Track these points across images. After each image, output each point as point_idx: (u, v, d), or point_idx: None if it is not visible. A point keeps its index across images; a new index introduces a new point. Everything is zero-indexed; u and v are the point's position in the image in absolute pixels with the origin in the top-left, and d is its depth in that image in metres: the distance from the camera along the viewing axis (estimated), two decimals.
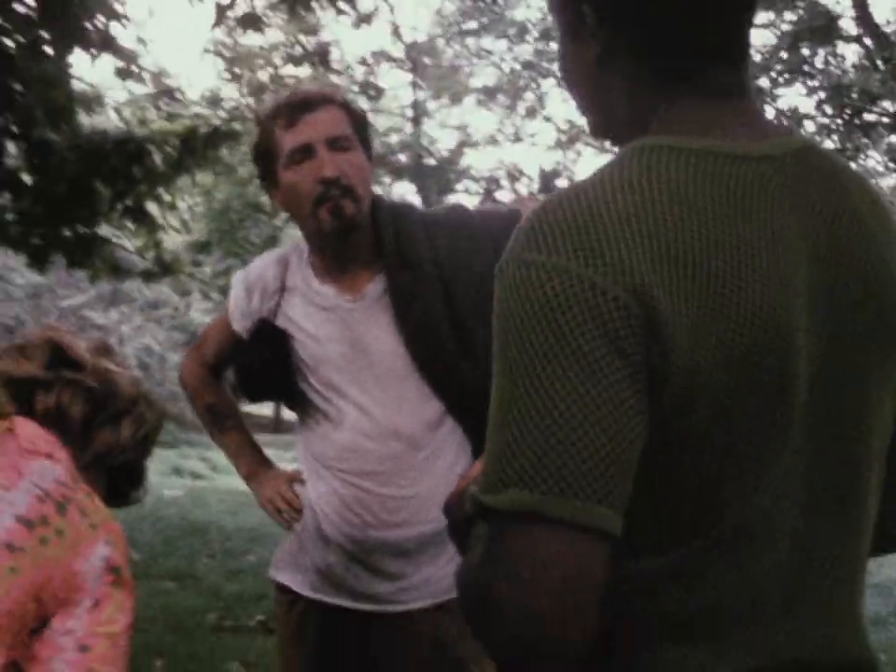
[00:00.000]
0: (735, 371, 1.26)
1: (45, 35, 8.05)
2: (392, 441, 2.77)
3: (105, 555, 1.89)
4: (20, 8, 8.12)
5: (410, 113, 24.60)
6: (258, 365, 2.89)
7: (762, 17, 18.32)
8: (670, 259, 1.24)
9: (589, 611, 1.22)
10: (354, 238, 2.78)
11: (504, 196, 23.92)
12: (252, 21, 7.06)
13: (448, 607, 2.76)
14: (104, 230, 9.87)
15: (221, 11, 6.68)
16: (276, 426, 55.48)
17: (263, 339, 2.89)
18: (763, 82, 16.53)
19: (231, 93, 22.93)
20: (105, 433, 2.13)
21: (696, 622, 1.35)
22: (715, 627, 1.35)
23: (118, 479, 2.22)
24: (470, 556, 1.32)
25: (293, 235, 35.96)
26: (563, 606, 1.21)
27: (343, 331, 2.81)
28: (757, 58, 16.73)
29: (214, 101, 22.84)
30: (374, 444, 2.77)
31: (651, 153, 1.34)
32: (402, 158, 22.36)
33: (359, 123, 2.86)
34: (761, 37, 19.06)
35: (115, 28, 8.28)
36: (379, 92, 23.99)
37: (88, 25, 7.82)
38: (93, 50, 8.10)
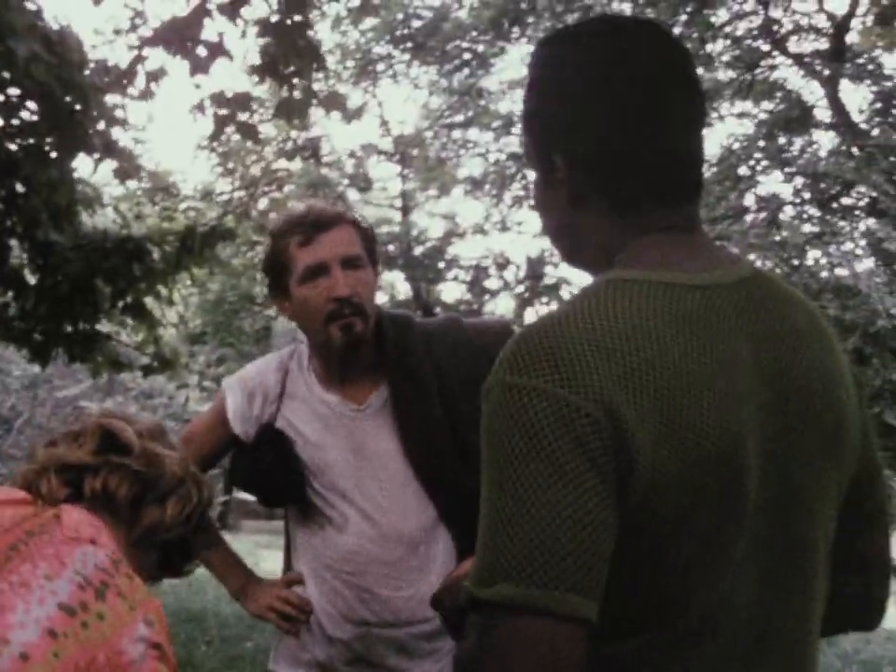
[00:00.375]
0: (693, 478, 1.43)
1: (49, 140, 8.24)
2: (394, 544, 2.84)
3: (144, 634, 1.95)
4: (24, 115, 8.36)
5: (399, 203, 24.78)
6: (265, 468, 2.91)
7: (739, 106, 18.67)
8: (634, 381, 1.41)
9: None
10: (359, 350, 2.87)
11: (492, 283, 24.07)
12: (249, 131, 7.24)
13: None
14: (104, 325, 10.00)
15: (221, 123, 6.85)
16: (269, 512, 55.26)
17: (267, 442, 2.93)
18: (743, 170, 16.76)
19: (224, 187, 23.14)
20: (152, 512, 2.22)
21: None
22: None
23: (170, 553, 2.33)
24: (465, 643, 1.47)
25: (285, 326, 35.98)
26: None
27: (347, 439, 2.89)
28: (736, 146, 17.02)
29: (207, 194, 23.09)
30: (377, 548, 2.84)
31: (615, 287, 1.52)
32: (391, 248, 22.52)
33: (369, 240, 2.95)
34: (740, 127, 19.37)
35: (115, 132, 8.45)
36: (369, 184, 24.20)
37: (91, 131, 8.00)
38: (96, 155, 8.26)
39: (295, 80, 6.26)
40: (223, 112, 6.77)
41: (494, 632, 1.39)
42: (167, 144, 69.71)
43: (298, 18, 6.12)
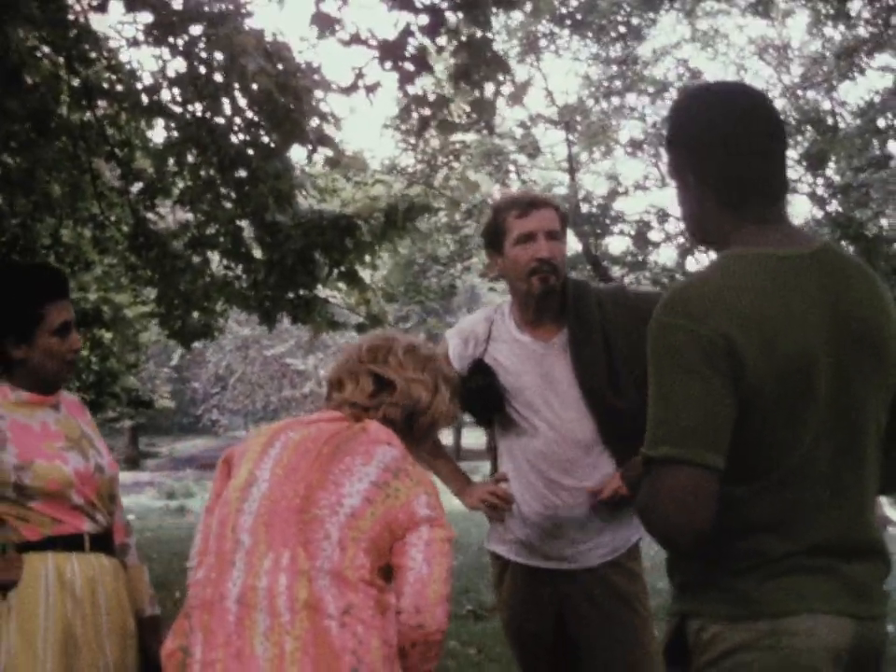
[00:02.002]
0: (781, 381, 2.16)
1: (272, 136, 9.02)
2: (572, 446, 3.57)
3: (424, 501, 2.60)
4: (249, 115, 9.18)
5: (566, 167, 25.08)
6: (476, 390, 3.62)
7: (879, 60, 18.66)
8: (742, 319, 2.14)
9: (706, 517, 2.12)
10: (550, 301, 3.61)
11: (654, 235, 24.27)
12: (449, 127, 7.91)
13: (616, 561, 3.60)
14: (321, 291, 10.84)
15: (423, 122, 7.50)
16: (457, 454, 56.28)
17: (477, 373, 3.67)
18: (882, 122, 16.85)
19: (407, 161, 23.78)
20: (417, 424, 2.85)
21: (773, 521, 2.22)
22: (782, 525, 2.22)
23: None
24: (642, 491, 2.21)
25: (467, 284, 36.68)
26: (690, 514, 2.12)
27: (536, 367, 3.61)
28: (876, 99, 17.12)
29: (393, 168, 23.81)
30: (560, 449, 3.57)
31: (731, 259, 2.25)
32: (562, 209, 22.90)
33: (564, 221, 3.68)
34: (880, 80, 19.33)
35: (325, 126, 9.16)
36: (537, 150, 24.59)
37: (305, 127, 8.75)
38: (309, 146, 9.00)
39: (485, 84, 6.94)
40: (426, 112, 7.44)
41: (659, 479, 2.14)
42: (355, 123, 70.85)
43: (483, 34, 6.79)
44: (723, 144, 2.30)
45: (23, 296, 3.17)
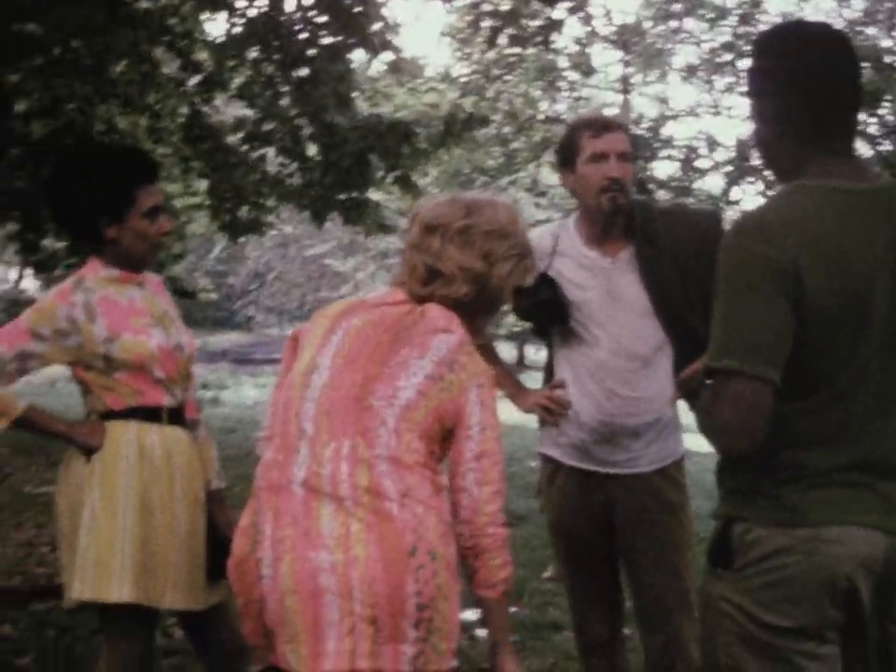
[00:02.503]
0: (840, 302, 2.30)
1: (336, 37, 9.10)
2: (632, 358, 3.70)
3: (478, 394, 2.71)
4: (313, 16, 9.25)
5: (618, 87, 24.96)
6: (542, 301, 3.73)
7: None
8: (808, 244, 2.28)
9: (762, 427, 2.28)
10: (616, 218, 3.72)
11: (702, 163, 24.17)
12: (519, 41, 7.96)
13: (663, 470, 3.75)
14: (373, 194, 10.96)
15: (494, 33, 7.57)
16: (520, 365, 56.61)
17: (543, 286, 3.73)
18: None
19: (461, 71, 23.68)
20: (474, 309, 2.87)
21: (819, 437, 2.37)
22: (827, 440, 2.37)
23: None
24: (703, 399, 2.37)
25: (512, 195, 36.60)
26: (747, 422, 2.28)
27: (601, 282, 3.73)
28: None
29: (447, 77, 23.74)
30: (620, 360, 3.70)
31: (800, 189, 2.38)
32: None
33: (632, 144, 3.79)
34: None
35: (388, 33, 9.24)
36: (591, 69, 24.47)
37: (369, 32, 8.82)
38: (371, 50, 9.09)
39: None
40: (497, 24, 7.48)
41: (721, 388, 2.30)
42: (410, 30, 70.34)
43: None
44: (806, 79, 2.41)
45: (117, 178, 3.31)
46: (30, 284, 29.28)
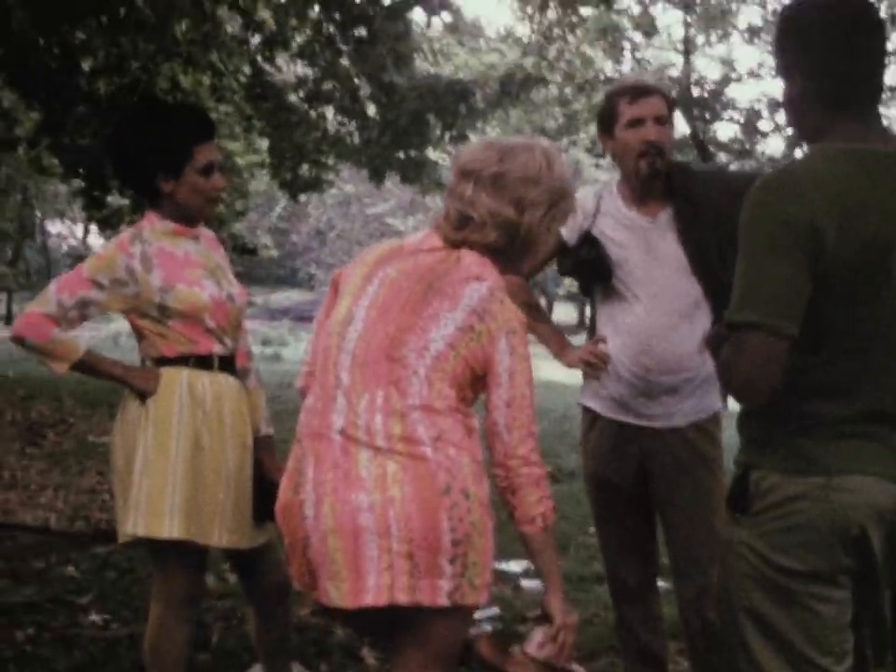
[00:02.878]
0: (859, 259, 2.38)
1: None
2: (670, 315, 3.78)
3: (508, 342, 2.79)
4: None
5: (681, 48, 24.76)
6: (585, 262, 3.86)
7: None
8: (828, 203, 2.36)
9: (777, 377, 2.38)
10: (655, 181, 3.80)
11: (764, 125, 23.99)
12: (570, 3, 8.01)
13: (699, 425, 3.83)
14: (431, 153, 11.05)
15: None
16: (579, 326, 56.64)
17: (587, 244, 3.87)
18: None
19: (523, 31, 23.61)
20: (516, 244, 2.89)
21: (834, 388, 2.46)
22: (841, 392, 2.46)
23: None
24: (724, 350, 2.47)
25: (573, 155, 36.47)
26: (764, 373, 2.38)
27: (641, 241, 3.82)
28: None
29: (508, 36, 23.69)
30: (660, 316, 3.78)
31: (824, 151, 2.47)
32: (673, 90, 22.64)
33: (671, 107, 3.86)
34: None
35: None
36: (654, 29, 24.27)
37: None
38: (430, 10, 9.15)
39: None
40: None
41: (739, 340, 2.40)
42: None
43: None
44: (829, 42, 2.48)
45: (175, 134, 3.43)
46: (96, 240, 29.67)
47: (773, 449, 2.50)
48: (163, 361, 3.41)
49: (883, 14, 18.51)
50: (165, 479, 3.29)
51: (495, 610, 5.24)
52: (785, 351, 2.37)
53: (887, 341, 2.45)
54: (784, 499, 2.45)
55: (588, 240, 3.87)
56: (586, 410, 4.03)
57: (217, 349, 3.45)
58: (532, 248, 2.96)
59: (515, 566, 6.31)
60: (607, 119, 3.85)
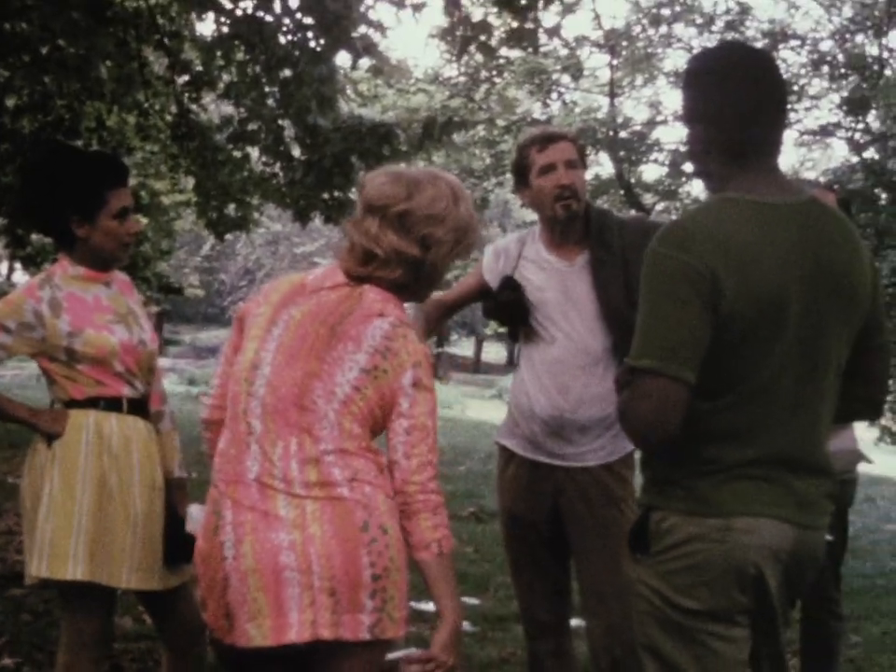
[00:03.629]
0: (754, 310, 2.44)
1: (319, 40, 9.22)
2: (585, 356, 3.86)
3: (412, 375, 2.81)
4: (298, 16, 9.37)
5: (607, 91, 25.02)
6: (505, 304, 3.95)
7: None
8: (725, 254, 2.43)
9: (675, 423, 2.43)
10: (573, 225, 3.90)
11: (690, 167, 24.24)
12: (488, 51, 8.11)
13: (610, 465, 3.90)
14: (354, 195, 11.10)
15: (465, 42, 7.70)
16: (476, 366, 56.87)
17: (507, 287, 3.97)
18: None
19: (450, 72, 23.73)
20: (420, 277, 2.90)
21: (732, 433, 2.52)
22: (740, 436, 2.52)
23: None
24: (624, 394, 2.52)
25: (500, 196, 36.75)
26: (661, 418, 2.43)
27: (558, 284, 3.92)
28: None
29: (436, 79, 23.83)
30: (574, 358, 3.86)
31: (722, 202, 2.55)
32: (599, 132, 22.91)
33: (581, 151, 3.98)
34: None
35: (373, 35, 9.35)
36: (580, 72, 24.55)
37: (354, 34, 8.95)
38: (355, 53, 9.21)
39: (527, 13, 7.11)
40: (468, 34, 7.62)
41: (639, 386, 2.45)
42: (402, 31, 70.49)
43: None
44: (728, 95, 2.57)
45: (90, 179, 3.44)
46: (21, 278, 29.37)
47: (672, 491, 2.56)
48: (72, 404, 3.40)
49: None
50: (70, 521, 3.27)
51: (413, 650, 5.24)
52: (684, 397, 2.43)
53: (784, 387, 2.52)
54: (683, 540, 2.51)
55: (509, 284, 3.97)
56: (503, 448, 4.09)
57: (126, 392, 3.45)
58: (434, 282, 3.00)
59: (433, 606, 6.31)
60: (521, 170, 3.96)
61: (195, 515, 3.21)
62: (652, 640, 2.57)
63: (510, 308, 3.97)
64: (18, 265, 18.90)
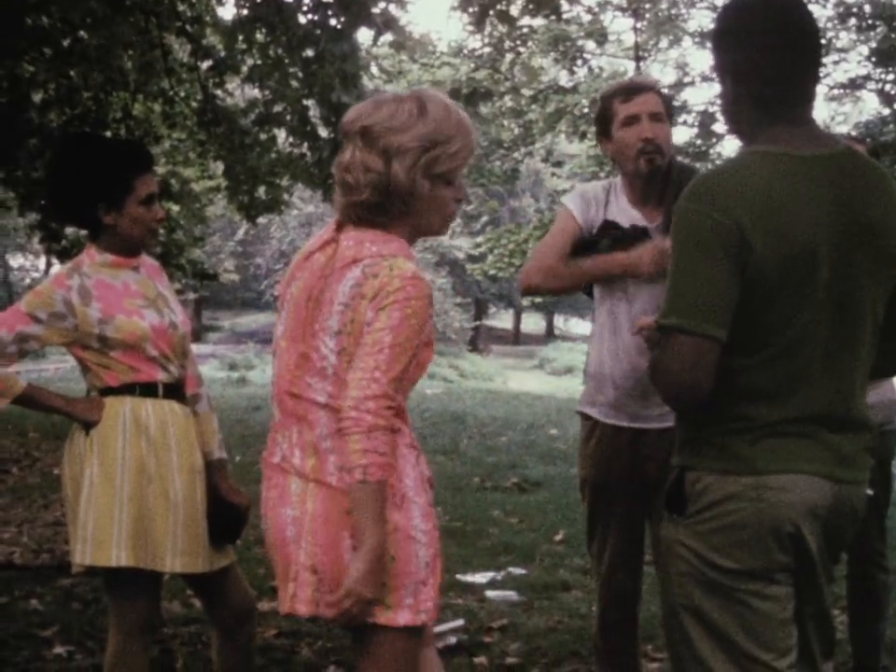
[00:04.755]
0: (784, 264, 2.41)
1: (340, 18, 9.21)
2: None
3: (376, 302, 2.61)
4: None
5: (632, 54, 24.90)
6: (618, 239, 3.78)
7: None
8: (754, 208, 2.40)
9: (706, 382, 2.41)
10: (655, 181, 3.80)
11: (718, 127, 24.10)
12: (507, 18, 8.05)
13: None
14: None
15: (483, 11, 7.66)
16: (516, 338, 56.84)
17: (611, 227, 3.81)
18: None
19: (474, 44, 23.65)
20: (394, 202, 2.74)
21: (766, 390, 2.49)
22: (773, 394, 2.49)
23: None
24: (654, 353, 2.52)
25: (531, 167, 36.63)
26: (691, 377, 2.41)
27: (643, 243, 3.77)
28: None
29: (460, 51, 23.76)
30: (654, 315, 3.67)
31: (751, 155, 2.51)
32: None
33: (668, 104, 3.87)
34: None
35: (393, 9, 9.33)
36: (605, 37, 24.43)
37: (374, 10, 8.93)
38: (376, 29, 9.19)
39: None
40: (485, 2, 7.57)
41: (668, 345, 2.44)
42: (424, 4, 70.22)
43: None
44: (758, 46, 2.52)
45: (116, 167, 3.45)
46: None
47: (706, 450, 2.53)
48: (108, 391, 3.42)
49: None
50: (111, 508, 3.30)
51: (460, 622, 5.27)
52: (713, 356, 2.40)
53: (817, 343, 2.49)
54: (718, 500, 2.49)
55: (611, 224, 3.86)
56: (585, 417, 4.03)
57: (161, 376, 3.46)
58: (408, 202, 2.76)
59: (480, 577, 6.35)
60: (603, 121, 3.86)
61: None
62: (693, 601, 2.55)
63: (635, 239, 3.78)
64: (55, 259, 19.00)
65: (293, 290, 2.84)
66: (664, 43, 25.21)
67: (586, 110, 23.51)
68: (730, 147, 25.84)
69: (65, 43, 9.78)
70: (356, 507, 2.60)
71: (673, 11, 23.69)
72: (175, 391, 3.52)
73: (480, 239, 33.34)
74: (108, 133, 11.35)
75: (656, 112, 3.75)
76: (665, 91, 21.89)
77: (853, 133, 17.75)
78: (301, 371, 2.77)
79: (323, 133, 10.73)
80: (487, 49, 22.98)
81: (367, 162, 2.71)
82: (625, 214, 3.85)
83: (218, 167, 13.84)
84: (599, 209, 3.88)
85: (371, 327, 2.64)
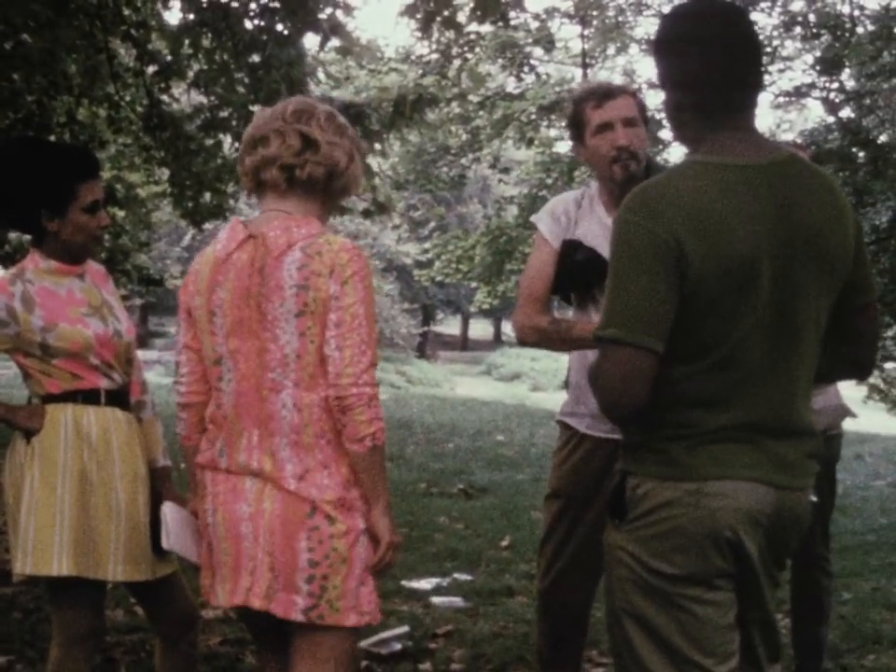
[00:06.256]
0: (722, 277, 2.44)
1: (286, 23, 9.20)
2: None
3: (335, 277, 2.75)
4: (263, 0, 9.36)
5: (579, 62, 24.97)
6: (579, 265, 3.73)
7: None
8: (691, 220, 2.43)
9: (642, 392, 2.44)
10: (632, 186, 3.68)
11: (665, 134, 24.25)
12: (452, 24, 8.08)
13: None
14: None
15: (429, 19, 7.68)
16: (464, 344, 56.91)
17: (580, 247, 3.75)
18: None
19: (422, 50, 23.63)
20: (335, 183, 2.96)
21: (706, 398, 2.52)
22: (713, 401, 2.52)
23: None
24: (592, 364, 2.54)
25: (479, 173, 36.66)
26: (627, 387, 2.44)
27: None
28: (894, 5, 17.00)
29: (407, 57, 23.75)
30: None
31: (691, 165, 2.54)
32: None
33: (642, 108, 3.79)
34: None
35: (339, 14, 9.33)
36: (552, 44, 24.47)
37: (321, 15, 8.93)
38: (322, 35, 9.19)
39: None
40: (431, 9, 7.59)
41: (605, 356, 2.46)
42: (372, 10, 70.19)
43: None
44: (698, 53, 2.55)
45: (59, 173, 3.42)
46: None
47: (647, 456, 2.57)
48: (50, 398, 3.40)
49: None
50: (53, 516, 3.29)
51: (405, 629, 5.29)
52: (650, 367, 2.43)
53: (758, 352, 2.51)
54: (657, 506, 2.52)
55: (572, 245, 3.81)
56: (564, 426, 4.02)
57: (103, 384, 3.45)
58: (344, 195, 3.07)
59: (425, 583, 6.36)
60: (576, 127, 3.80)
61: (168, 515, 3.27)
62: (634, 606, 2.58)
63: (585, 268, 3.76)
64: None
65: (222, 294, 2.90)
66: (611, 50, 25.31)
67: (533, 117, 23.61)
68: (676, 153, 26.02)
69: (7, 46, 9.67)
70: (367, 470, 2.83)
71: (620, 18, 23.77)
72: (118, 398, 3.50)
73: (427, 245, 33.31)
74: (52, 138, 11.25)
75: (630, 117, 3.68)
76: None
77: (798, 141, 17.93)
78: (262, 370, 2.84)
79: None
80: (435, 56, 22.99)
81: (331, 150, 2.91)
82: (601, 223, 3.80)
83: (164, 172, 13.75)
84: (570, 224, 3.84)
85: (341, 301, 2.78)
